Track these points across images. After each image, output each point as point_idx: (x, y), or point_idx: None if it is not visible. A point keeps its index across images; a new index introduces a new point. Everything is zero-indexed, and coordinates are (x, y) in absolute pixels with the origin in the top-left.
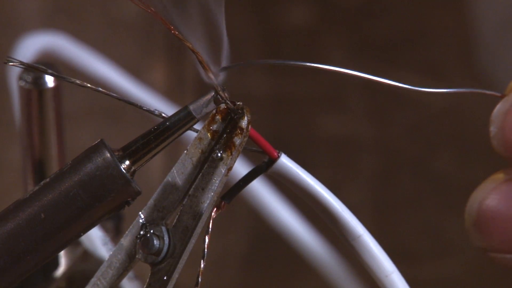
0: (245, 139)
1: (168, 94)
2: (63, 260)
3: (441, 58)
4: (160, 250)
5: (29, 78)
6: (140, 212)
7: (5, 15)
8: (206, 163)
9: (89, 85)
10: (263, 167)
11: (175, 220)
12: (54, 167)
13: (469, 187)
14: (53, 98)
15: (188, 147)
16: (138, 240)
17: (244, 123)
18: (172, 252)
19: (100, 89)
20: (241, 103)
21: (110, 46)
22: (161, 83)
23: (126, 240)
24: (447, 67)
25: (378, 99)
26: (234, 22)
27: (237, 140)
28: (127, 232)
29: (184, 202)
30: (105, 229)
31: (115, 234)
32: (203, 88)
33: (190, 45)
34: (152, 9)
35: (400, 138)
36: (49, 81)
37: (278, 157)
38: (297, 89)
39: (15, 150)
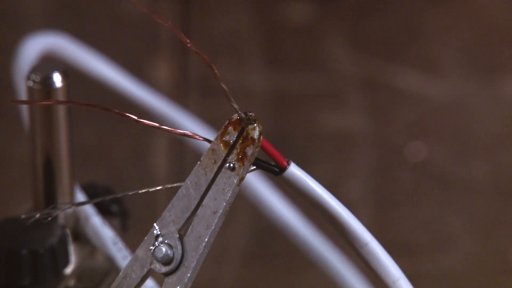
0: (257, 149)
1: (173, 91)
2: (73, 258)
3: (440, 54)
4: (173, 259)
5: (37, 78)
6: (154, 224)
7: (8, 12)
8: (219, 173)
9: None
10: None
11: (188, 230)
12: (63, 166)
13: (467, 182)
14: (61, 98)
15: (201, 158)
16: (152, 251)
17: (256, 133)
18: (185, 262)
19: (113, 109)
20: (253, 114)
21: (114, 43)
22: (165, 81)
23: (141, 251)
24: (446, 63)
25: (378, 95)
26: (235, 20)
27: (249, 151)
28: (142, 243)
29: (197, 212)
30: (111, 226)
31: (121, 231)
32: (208, 85)
33: (195, 48)
34: (154, 10)
35: (399, 133)
36: (57, 81)
37: (288, 166)
38: (297, 85)
39: (19, 148)
